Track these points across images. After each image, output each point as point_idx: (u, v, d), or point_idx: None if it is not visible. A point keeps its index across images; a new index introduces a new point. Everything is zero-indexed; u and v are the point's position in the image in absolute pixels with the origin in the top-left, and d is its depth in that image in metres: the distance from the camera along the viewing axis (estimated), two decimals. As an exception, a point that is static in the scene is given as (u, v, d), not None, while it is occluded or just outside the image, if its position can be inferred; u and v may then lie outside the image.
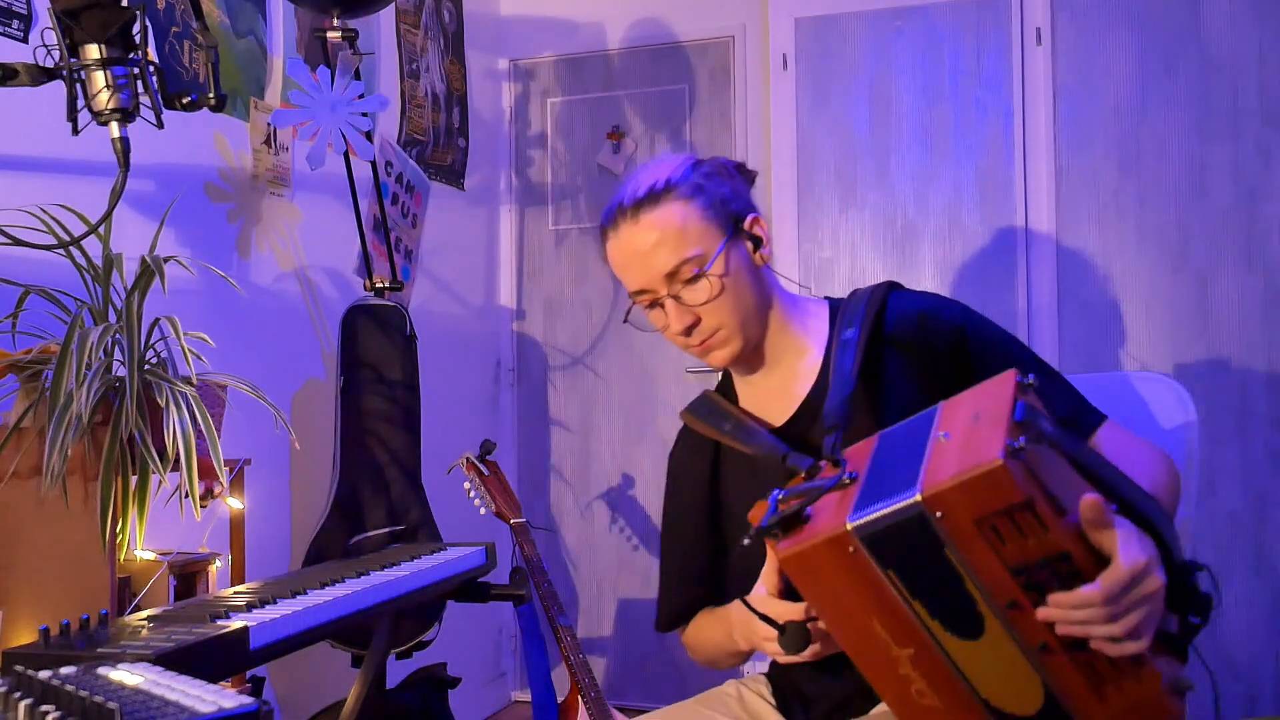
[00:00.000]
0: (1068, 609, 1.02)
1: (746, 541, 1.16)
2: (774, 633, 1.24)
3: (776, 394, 1.49)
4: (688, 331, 1.41)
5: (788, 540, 1.14)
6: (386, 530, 2.54)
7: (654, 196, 1.39)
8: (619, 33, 3.74)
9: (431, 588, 1.75)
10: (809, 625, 1.22)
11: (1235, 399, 3.03)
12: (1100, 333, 3.13)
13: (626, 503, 3.72)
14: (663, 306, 1.42)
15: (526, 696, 3.75)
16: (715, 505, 1.53)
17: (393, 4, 2.88)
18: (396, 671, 2.65)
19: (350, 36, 2.57)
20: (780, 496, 1.16)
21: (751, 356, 1.48)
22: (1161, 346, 3.10)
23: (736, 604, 1.41)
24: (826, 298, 1.55)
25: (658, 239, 1.38)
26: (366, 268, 2.77)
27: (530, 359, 3.86)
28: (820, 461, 1.24)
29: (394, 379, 2.63)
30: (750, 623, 1.30)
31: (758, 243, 1.44)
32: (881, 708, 1.39)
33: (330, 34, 2.56)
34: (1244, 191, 3.04)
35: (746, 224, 1.44)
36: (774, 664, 1.58)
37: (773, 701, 1.53)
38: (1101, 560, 1.03)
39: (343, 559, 2.31)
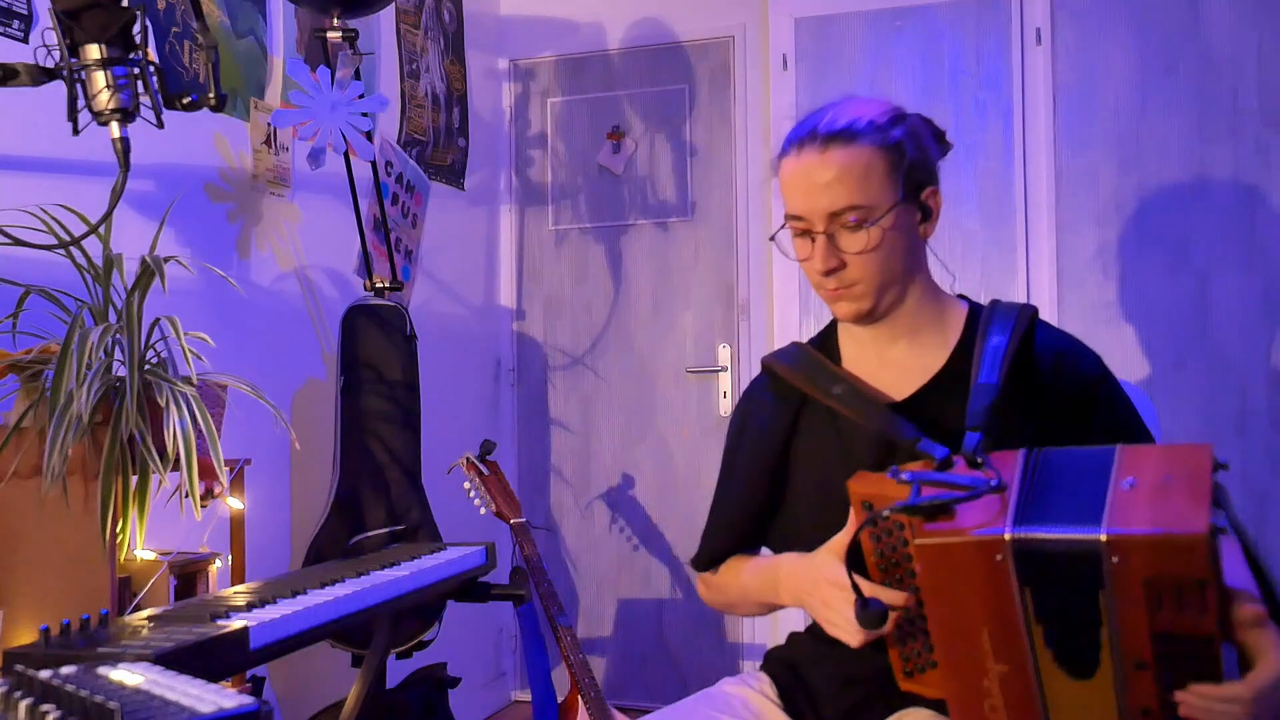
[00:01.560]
0: (1211, 700, 1.04)
1: (887, 514, 1.15)
2: (844, 599, 1.23)
3: (895, 368, 1.46)
4: (829, 273, 1.39)
5: (932, 527, 1.13)
6: (386, 530, 2.54)
7: (850, 134, 1.36)
8: (619, 33, 3.74)
9: (431, 588, 1.75)
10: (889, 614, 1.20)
11: (1235, 399, 3.03)
12: (1099, 333, 3.13)
13: (626, 503, 3.72)
14: (813, 239, 1.40)
15: (526, 696, 3.75)
16: (783, 459, 1.51)
17: (393, 4, 2.87)
18: (396, 671, 2.65)
19: (350, 36, 2.57)
20: (922, 480, 1.14)
21: (878, 322, 1.45)
22: (1161, 346, 3.10)
23: (790, 556, 1.42)
24: (961, 296, 1.53)
25: (836, 176, 1.35)
26: (366, 268, 2.77)
27: (530, 359, 3.86)
28: (955, 456, 1.21)
29: (394, 379, 2.63)
30: (816, 583, 1.30)
31: (927, 214, 1.43)
32: (895, 718, 1.38)
33: (330, 34, 2.56)
34: (1244, 191, 3.04)
35: (925, 194, 1.42)
36: (777, 660, 1.57)
37: (777, 701, 1.51)
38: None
39: (343, 559, 2.30)
